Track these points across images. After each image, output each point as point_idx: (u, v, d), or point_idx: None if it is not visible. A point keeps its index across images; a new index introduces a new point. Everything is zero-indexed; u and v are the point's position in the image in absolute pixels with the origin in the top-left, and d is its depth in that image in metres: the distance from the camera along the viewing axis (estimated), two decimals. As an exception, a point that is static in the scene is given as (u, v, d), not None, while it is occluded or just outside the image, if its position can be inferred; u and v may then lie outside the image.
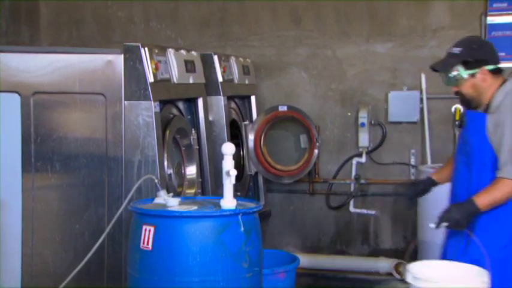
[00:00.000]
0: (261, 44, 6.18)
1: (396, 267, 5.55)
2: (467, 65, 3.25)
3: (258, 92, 6.06)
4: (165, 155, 4.01)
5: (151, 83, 3.81)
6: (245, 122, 5.63)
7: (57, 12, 6.54)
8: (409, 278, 2.77)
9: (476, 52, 3.28)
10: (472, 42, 3.34)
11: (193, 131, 4.54)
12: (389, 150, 5.99)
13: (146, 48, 3.83)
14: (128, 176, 3.80)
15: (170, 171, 4.19)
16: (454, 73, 3.28)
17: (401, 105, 5.86)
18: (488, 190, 3.18)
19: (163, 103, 4.12)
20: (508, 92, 3.24)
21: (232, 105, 5.45)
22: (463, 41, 3.36)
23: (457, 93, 3.35)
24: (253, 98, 5.84)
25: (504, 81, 3.31)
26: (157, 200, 3.37)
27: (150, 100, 3.79)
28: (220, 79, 5.06)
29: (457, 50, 3.30)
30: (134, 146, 3.81)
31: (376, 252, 5.92)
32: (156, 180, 3.42)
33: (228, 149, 3.25)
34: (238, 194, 5.02)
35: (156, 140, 3.80)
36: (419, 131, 5.90)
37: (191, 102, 4.62)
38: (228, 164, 3.20)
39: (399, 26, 5.93)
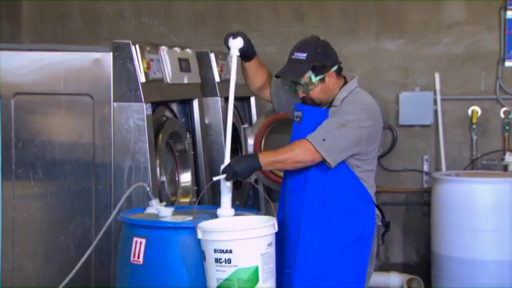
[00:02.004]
0: (262, 41, 6.18)
1: (408, 282, 5.54)
2: (316, 70, 3.37)
3: (258, 93, 6.05)
4: (158, 161, 4.01)
5: (142, 83, 3.81)
6: (244, 125, 5.63)
7: (41, 6, 6.54)
8: (199, 235, 2.92)
9: (323, 56, 3.41)
10: (316, 46, 3.43)
11: (188, 135, 4.54)
12: (401, 155, 5.99)
13: (137, 46, 3.83)
14: (117, 183, 3.80)
15: (163, 178, 4.19)
16: (305, 80, 3.38)
17: (414, 107, 5.86)
18: (280, 149, 3.35)
19: (156, 105, 4.12)
20: (351, 90, 3.43)
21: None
22: (305, 44, 3.44)
23: (304, 98, 3.46)
24: (252, 100, 5.84)
25: (345, 80, 3.49)
26: (149, 210, 3.37)
27: (142, 102, 3.79)
28: (217, 79, 5.06)
29: (302, 55, 3.39)
30: (124, 151, 3.80)
31: (386, 267, 5.91)
32: (147, 189, 3.42)
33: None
34: (237, 203, 5.02)
35: (147, 144, 3.80)
36: (433, 135, 5.90)
37: (186, 104, 4.62)
38: (226, 171, 3.20)
39: (411, 21, 5.93)
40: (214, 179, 3.19)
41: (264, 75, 3.72)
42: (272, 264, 2.96)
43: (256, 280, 2.87)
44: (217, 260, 2.86)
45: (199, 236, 2.92)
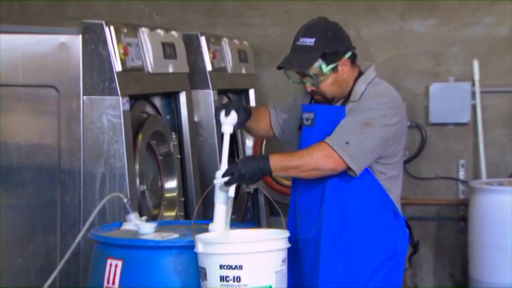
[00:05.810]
0: (263, 22, 6.20)
1: (441, 314, 5.56)
2: (327, 58, 3.37)
3: (259, 84, 6.07)
4: (137, 167, 4.03)
5: (118, 73, 3.82)
6: (242, 124, 5.64)
7: (-5, -20, 6.57)
8: (199, 248, 2.93)
9: (334, 40, 3.39)
10: (325, 29, 3.42)
11: (174, 136, 4.55)
12: (431, 160, 6.00)
13: (112, 27, 3.84)
14: (88, 194, 3.81)
15: (143, 187, 4.20)
16: (315, 71, 3.38)
17: (447, 101, 5.87)
18: (294, 152, 3.38)
19: (135, 99, 4.13)
20: (370, 82, 3.44)
21: (225, 101, 5.47)
22: (312, 28, 3.43)
23: (314, 92, 3.45)
24: (252, 92, 5.86)
25: (360, 70, 3.49)
26: (127, 226, 3.38)
27: (117, 95, 3.81)
28: (208, 68, 5.07)
29: (309, 41, 3.38)
30: (96, 155, 3.82)
31: (414, 295, 5.94)
32: (124, 200, 3.42)
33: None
34: (233, 217, 5.02)
35: (124, 147, 3.81)
36: (470, 136, 5.92)
37: (171, 97, 4.64)
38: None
39: (444, -3, 5.96)
40: (216, 181, 3.20)
41: (265, 121, 3.76)
42: (285, 285, 2.99)
43: None
44: (223, 279, 2.88)
45: (200, 249, 2.91)
